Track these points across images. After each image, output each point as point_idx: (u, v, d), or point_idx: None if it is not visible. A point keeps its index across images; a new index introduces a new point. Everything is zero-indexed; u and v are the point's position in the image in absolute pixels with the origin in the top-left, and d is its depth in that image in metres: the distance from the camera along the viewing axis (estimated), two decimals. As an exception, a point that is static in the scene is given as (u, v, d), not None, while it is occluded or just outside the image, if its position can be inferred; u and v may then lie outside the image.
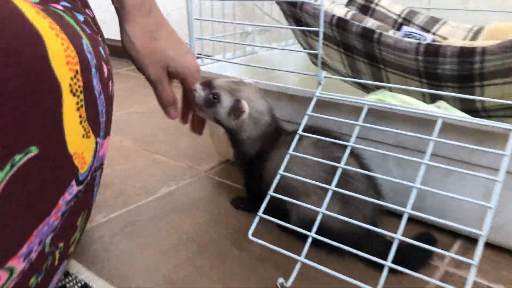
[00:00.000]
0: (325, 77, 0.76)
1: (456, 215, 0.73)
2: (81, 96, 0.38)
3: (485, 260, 0.70)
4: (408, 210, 0.59)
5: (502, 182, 0.57)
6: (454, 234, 0.76)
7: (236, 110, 0.73)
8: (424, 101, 0.78)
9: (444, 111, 0.69)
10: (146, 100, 1.53)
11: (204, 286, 0.64)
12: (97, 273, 0.66)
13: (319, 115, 0.74)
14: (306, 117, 0.74)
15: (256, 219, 0.67)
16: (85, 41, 0.41)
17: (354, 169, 0.67)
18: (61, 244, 0.41)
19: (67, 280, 0.64)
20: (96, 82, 0.42)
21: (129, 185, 0.93)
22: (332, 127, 0.81)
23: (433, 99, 0.79)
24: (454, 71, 0.71)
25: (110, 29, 2.23)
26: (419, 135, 0.65)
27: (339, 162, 0.65)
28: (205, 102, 0.75)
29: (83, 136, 0.39)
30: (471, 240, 0.74)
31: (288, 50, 1.10)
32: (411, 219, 0.69)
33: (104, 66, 0.45)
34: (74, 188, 0.39)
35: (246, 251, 0.72)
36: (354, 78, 0.91)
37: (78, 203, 0.43)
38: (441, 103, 0.71)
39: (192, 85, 0.75)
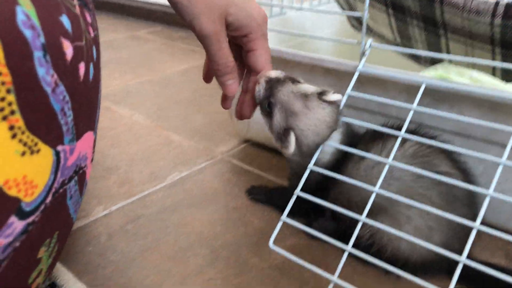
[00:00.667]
0: (371, 46, 0.60)
1: None
2: (9, 98, 0.25)
3: None
4: (476, 224, 0.44)
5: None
6: None
7: (283, 138, 0.57)
8: (495, 76, 0.61)
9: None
10: (162, 67, 1.40)
11: (214, 307, 0.52)
12: (89, 284, 0.55)
13: (363, 94, 0.59)
14: (345, 97, 0.59)
15: (279, 224, 0.54)
16: (24, 9, 0.27)
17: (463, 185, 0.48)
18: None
19: (52, 294, 0.54)
20: (45, 71, 0.28)
21: (136, 171, 0.81)
22: (374, 108, 0.66)
23: (506, 74, 0.62)
24: (543, 39, 0.54)
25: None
26: (494, 125, 0.49)
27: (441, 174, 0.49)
28: (261, 104, 0.58)
29: (23, 153, 0.26)
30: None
31: (322, 12, 0.93)
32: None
33: (67, 44, 0.31)
34: (15, 226, 0.27)
35: (266, 260, 0.59)
36: (404, 46, 0.74)
37: (34, 235, 0.31)
38: (526, 82, 0.54)
39: (258, 43, 0.54)
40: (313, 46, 1.02)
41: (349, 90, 0.59)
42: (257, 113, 0.60)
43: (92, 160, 0.49)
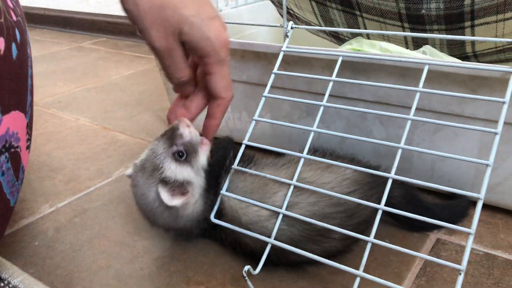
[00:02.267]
0: (292, 27, 0.65)
1: (447, 176, 0.65)
2: None
3: (480, 223, 0.62)
4: (392, 175, 0.49)
5: (500, 134, 0.47)
6: (446, 195, 0.67)
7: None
8: (407, 48, 0.67)
9: (431, 57, 0.59)
10: (107, 74, 1.41)
11: (163, 280, 0.55)
12: (35, 275, 0.56)
13: (287, 72, 0.63)
14: (272, 76, 0.63)
15: (218, 200, 0.57)
16: None
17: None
18: None
19: (-2, 286, 0.54)
20: None
21: (82, 169, 0.82)
22: (302, 88, 0.70)
23: (417, 45, 0.69)
24: (440, 10, 0.61)
25: (70, 0, 2.07)
26: (403, 87, 0.55)
27: None
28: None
29: None
30: (467, 204, 0.65)
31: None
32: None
33: None
34: None
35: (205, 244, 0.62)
36: (328, 29, 0.80)
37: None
38: (427, 48, 0.61)
39: (213, 68, 0.51)
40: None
41: (275, 69, 0.63)
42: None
43: (28, 148, 0.51)
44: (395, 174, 0.49)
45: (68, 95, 1.23)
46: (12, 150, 0.41)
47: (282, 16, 0.94)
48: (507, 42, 0.52)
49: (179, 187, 0.54)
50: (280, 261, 0.54)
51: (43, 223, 0.67)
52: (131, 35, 1.83)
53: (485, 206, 0.64)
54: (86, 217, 0.68)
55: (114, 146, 0.91)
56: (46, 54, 1.69)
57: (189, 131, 0.55)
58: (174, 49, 0.49)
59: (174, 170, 0.54)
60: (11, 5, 0.40)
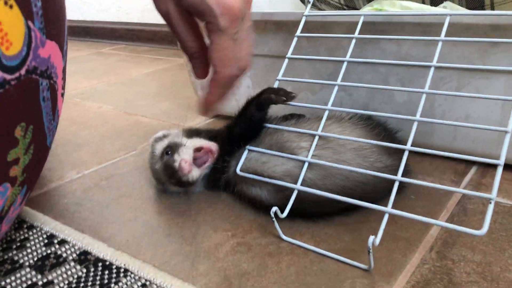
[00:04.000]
0: (313, -6, 0.67)
1: (471, 136, 0.65)
2: None
3: (507, 182, 0.62)
4: (408, 147, 0.49)
5: None
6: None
7: None
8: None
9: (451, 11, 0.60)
10: (127, 72, 1.44)
11: (191, 228, 0.55)
12: (66, 224, 0.57)
13: (309, 34, 0.65)
14: (295, 39, 0.65)
15: (245, 153, 0.59)
16: None
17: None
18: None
19: (30, 233, 0.55)
20: None
21: (108, 144, 0.84)
22: (323, 54, 0.72)
23: (434, 3, 0.70)
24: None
25: (91, 10, 2.15)
26: (425, 38, 0.56)
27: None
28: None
29: (0, -1, 0.30)
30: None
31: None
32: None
33: None
34: (-5, 70, 0.31)
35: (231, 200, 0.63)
36: (347, 6, 0.82)
37: (10, 104, 0.34)
38: (448, 4, 0.62)
39: (211, 36, 0.46)
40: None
41: (298, 32, 0.65)
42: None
43: (62, 96, 0.53)
44: (413, 143, 0.49)
45: (91, 89, 1.26)
46: (51, 81, 0.43)
47: (302, 2, 0.97)
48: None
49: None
50: (300, 213, 0.55)
51: (71, 186, 0.69)
52: (150, 41, 1.89)
53: (509, 166, 0.64)
54: (112, 180, 0.69)
55: (137, 127, 0.93)
56: (68, 58, 1.74)
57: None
58: (173, 16, 0.46)
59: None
60: None
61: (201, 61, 0.51)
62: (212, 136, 0.63)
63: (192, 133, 0.65)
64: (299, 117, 0.64)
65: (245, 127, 0.61)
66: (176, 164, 0.57)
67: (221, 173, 0.61)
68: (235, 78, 0.50)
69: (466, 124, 0.49)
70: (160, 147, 0.62)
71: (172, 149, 0.59)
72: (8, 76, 0.33)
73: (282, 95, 0.59)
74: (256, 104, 0.59)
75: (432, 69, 0.53)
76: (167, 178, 0.60)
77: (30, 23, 0.35)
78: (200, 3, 0.44)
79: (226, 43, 0.46)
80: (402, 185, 0.54)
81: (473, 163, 0.67)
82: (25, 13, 0.34)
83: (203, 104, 0.52)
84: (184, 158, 0.57)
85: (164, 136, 0.65)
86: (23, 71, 0.35)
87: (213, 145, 0.60)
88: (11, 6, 0.32)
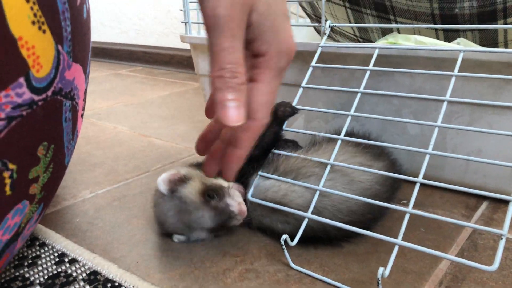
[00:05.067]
0: (330, 26, 0.69)
1: (482, 171, 0.65)
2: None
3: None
4: (420, 179, 0.49)
5: None
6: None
7: None
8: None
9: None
10: (143, 94, 1.47)
11: (200, 252, 0.56)
12: (77, 243, 0.58)
13: (324, 65, 0.67)
14: (310, 69, 0.66)
15: (257, 179, 0.59)
16: None
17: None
18: (11, 166, 0.34)
19: (42, 250, 0.56)
20: None
21: (121, 165, 0.86)
22: (337, 85, 0.73)
23: (448, 39, 0.71)
24: (473, 9, 0.64)
25: (110, 32, 2.21)
26: (439, 72, 0.57)
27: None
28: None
29: (33, 23, 0.32)
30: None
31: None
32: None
33: None
34: (24, 90, 0.32)
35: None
36: (362, 39, 0.84)
37: (36, 124, 0.35)
38: (461, 40, 0.63)
39: (262, 75, 0.39)
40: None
41: (313, 63, 0.67)
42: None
43: (82, 116, 0.55)
44: (424, 175, 0.49)
45: (107, 109, 1.29)
46: (74, 102, 0.45)
47: (316, 31, 0.99)
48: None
49: None
50: (309, 239, 0.55)
51: (83, 205, 0.70)
52: (166, 64, 1.93)
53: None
54: (124, 201, 0.70)
55: (151, 148, 0.94)
56: (87, 78, 1.78)
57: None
58: (238, 23, 0.36)
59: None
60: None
61: (243, 96, 0.38)
62: None
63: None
64: (296, 144, 0.65)
65: (266, 146, 0.60)
66: (234, 208, 0.53)
67: None
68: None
69: (478, 159, 0.49)
70: (191, 191, 0.55)
71: (216, 192, 0.54)
72: (36, 97, 0.35)
73: (293, 108, 0.62)
74: (276, 119, 0.61)
75: (445, 103, 0.54)
76: (216, 224, 0.55)
77: (59, 47, 0.37)
78: (268, 30, 0.38)
79: (275, 86, 0.40)
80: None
81: (485, 198, 0.67)
82: (56, 38, 0.36)
83: (230, 165, 0.44)
84: (240, 201, 0.54)
85: (186, 178, 0.56)
86: (50, 93, 0.37)
87: (240, 186, 0.58)
88: (44, 31, 0.34)
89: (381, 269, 0.42)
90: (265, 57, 0.39)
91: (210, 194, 0.54)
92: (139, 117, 1.20)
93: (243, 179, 0.60)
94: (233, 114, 0.37)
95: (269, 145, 0.61)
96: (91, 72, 1.92)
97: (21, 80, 0.32)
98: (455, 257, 0.42)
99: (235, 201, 0.54)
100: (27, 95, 0.33)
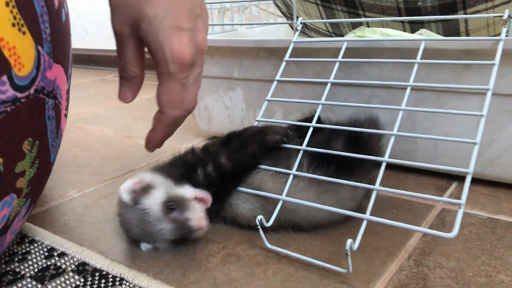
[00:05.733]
0: (301, 23, 0.72)
1: (451, 153, 0.69)
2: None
3: (484, 196, 0.65)
4: (385, 158, 0.52)
5: (486, 116, 0.51)
6: (451, 175, 0.71)
7: None
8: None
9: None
10: (129, 98, 1.49)
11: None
12: (66, 238, 0.60)
13: (297, 59, 0.70)
14: (283, 64, 0.70)
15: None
16: None
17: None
18: (-1, 159, 0.36)
19: (32, 246, 0.58)
20: None
21: (107, 165, 0.88)
22: (309, 76, 0.76)
23: (414, 31, 0.75)
24: (435, 1, 0.67)
25: (94, 39, 2.22)
26: (403, 60, 0.61)
27: None
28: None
29: (13, 25, 0.34)
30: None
31: (265, 24, 1.06)
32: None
33: None
34: (7, 87, 0.35)
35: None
36: (335, 34, 0.87)
37: (19, 120, 0.38)
38: (424, 31, 0.67)
39: (160, 77, 0.49)
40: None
41: (286, 57, 0.70)
42: (217, 109, 0.68)
43: (66, 116, 0.57)
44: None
45: (93, 113, 1.31)
46: (56, 101, 0.47)
47: (291, 28, 1.02)
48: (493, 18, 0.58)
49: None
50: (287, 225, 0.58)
51: (71, 204, 0.72)
52: (150, 68, 1.94)
53: (488, 182, 0.68)
54: (112, 198, 0.73)
55: (136, 148, 0.97)
56: (71, 84, 1.80)
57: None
58: (125, 38, 0.48)
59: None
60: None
61: (135, 87, 0.54)
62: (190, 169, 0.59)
63: (171, 173, 0.58)
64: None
65: (239, 163, 0.58)
66: (193, 223, 0.52)
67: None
68: (181, 119, 0.53)
69: (438, 137, 0.53)
70: (153, 202, 0.54)
71: (178, 204, 0.53)
72: (19, 94, 0.37)
73: (283, 135, 0.59)
74: (260, 144, 0.59)
75: (408, 89, 0.57)
76: (175, 236, 0.54)
77: (39, 48, 0.39)
78: (154, 43, 0.46)
79: (174, 87, 0.49)
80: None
81: (454, 179, 0.71)
82: (36, 39, 0.38)
83: (149, 141, 0.57)
84: (200, 216, 0.53)
85: (149, 187, 0.55)
86: (32, 90, 0.39)
87: (207, 195, 0.56)
88: (24, 33, 0.36)
89: (349, 241, 0.45)
90: (157, 64, 0.48)
91: (171, 206, 0.53)
92: (124, 120, 1.22)
93: (221, 197, 0.58)
94: (124, 96, 0.54)
95: (245, 163, 0.59)
96: (76, 79, 1.93)
97: (4, 78, 0.35)
98: (417, 226, 0.46)
99: (195, 215, 0.53)
100: (10, 92, 0.36)
